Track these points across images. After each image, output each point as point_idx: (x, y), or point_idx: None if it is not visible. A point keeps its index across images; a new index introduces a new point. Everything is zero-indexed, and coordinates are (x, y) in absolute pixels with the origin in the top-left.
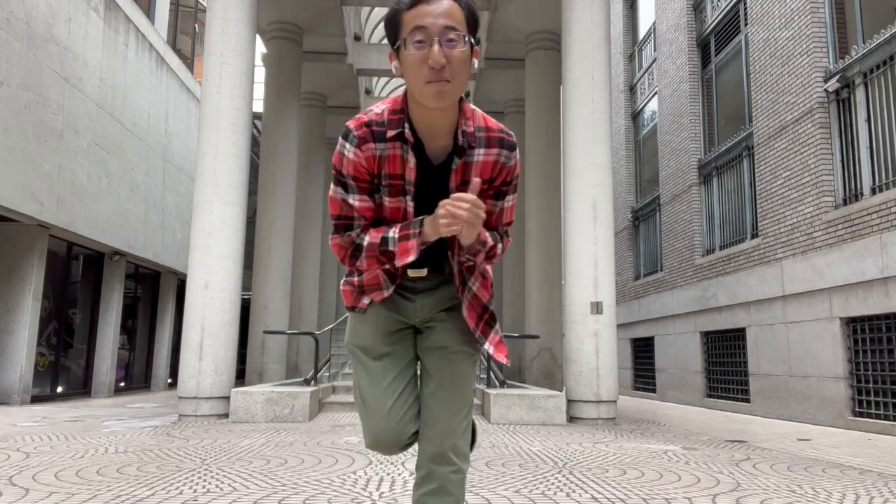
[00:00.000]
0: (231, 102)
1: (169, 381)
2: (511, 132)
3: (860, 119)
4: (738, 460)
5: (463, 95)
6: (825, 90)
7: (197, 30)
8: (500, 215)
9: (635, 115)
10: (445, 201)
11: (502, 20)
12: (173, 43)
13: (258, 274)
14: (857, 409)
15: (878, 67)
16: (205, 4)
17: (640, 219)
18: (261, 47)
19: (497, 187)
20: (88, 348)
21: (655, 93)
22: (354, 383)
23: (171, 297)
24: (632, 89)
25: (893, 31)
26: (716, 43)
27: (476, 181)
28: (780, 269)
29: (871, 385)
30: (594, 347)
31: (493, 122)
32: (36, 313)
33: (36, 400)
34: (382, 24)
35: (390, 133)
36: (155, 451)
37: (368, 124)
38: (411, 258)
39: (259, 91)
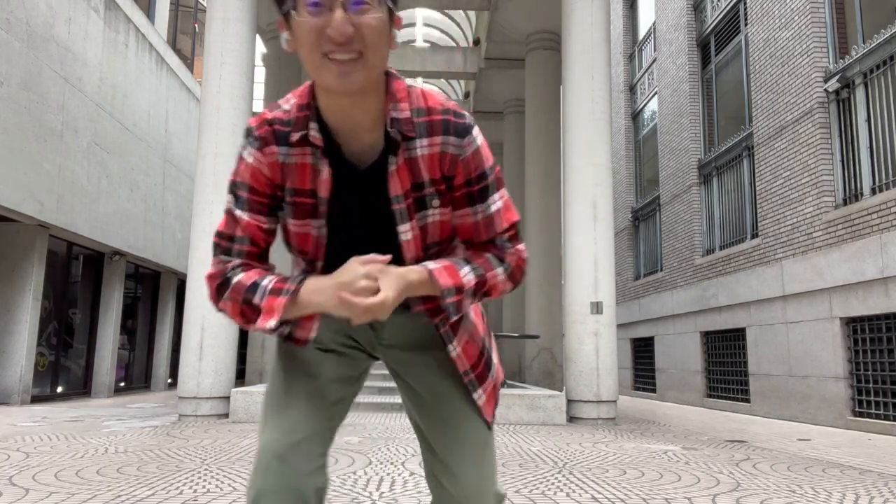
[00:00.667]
0: (231, 102)
1: (169, 381)
2: (463, 111)
3: (860, 119)
4: (738, 460)
5: (392, 70)
6: (825, 90)
7: (197, 30)
8: (490, 224)
9: (635, 115)
10: (345, 278)
11: (502, 20)
12: (173, 43)
13: None
14: (857, 409)
15: (878, 67)
16: (205, 4)
17: (640, 219)
18: (261, 47)
19: (462, 187)
20: (88, 348)
21: (655, 93)
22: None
23: (171, 297)
24: (632, 89)
25: (893, 31)
26: (716, 43)
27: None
28: (780, 269)
29: (871, 385)
30: (594, 347)
31: (436, 99)
32: (36, 313)
33: (36, 400)
34: None
35: (294, 136)
36: (155, 451)
37: (271, 122)
38: (271, 323)
39: (259, 91)
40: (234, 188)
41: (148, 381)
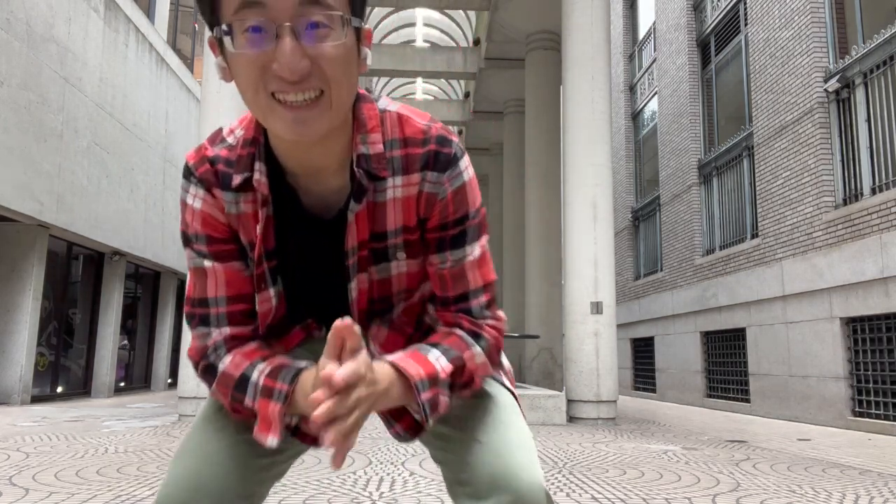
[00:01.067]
0: (231, 102)
1: (169, 381)
2: (451, 138)
3: (860, 119)
4: (738, 460)
5: (362, 92)
6: (825, 90)
7: (197, 30)
8: (460, 277)
9: (635, 115)
10: (317, 394)
11: (502, 20)
12: (173, 43)
13: None
14: (857, 409)
15: (878, 67)
16: None
17: (640, 219)
18: None
19: (435, 231)
20: (88, 348)
21: (655, 93)
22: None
23: (171, 297)
24: (632, 89)
25: (893, 31)
26: (716, 43)
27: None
28: (780, 269)
29: (871, 385)
30: (594, 347)
31: (416, 125)
32: (36, 313)
33: (36, 400)
34: (382, 23)
35: (236, 178)
36: (155, 451)
37: (213, 161)
38: (272, 442)
39: None
40: (187, 241)
41: (148, 381)
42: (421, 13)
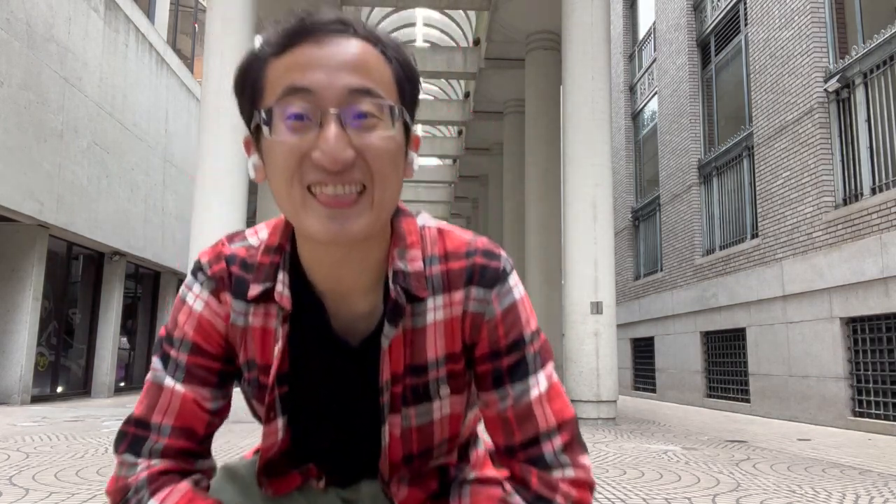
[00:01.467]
0: (231, 102)
1: None
2: (497, 251)
3: (860, 119)
4: (738, 460)
5: (402, 206)
6: (825, 90)
7: (197, 30)
8: (526, 418)
9: (635, 115)
10: None
11: (502, 20)
12: (173, 43)
13: None
14: (857, 409)
15: (878, 67)
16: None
17: (640, 219)
18: None
19: (486, 361)
20: (88, 348)
21: (655, 93)
22: None
23: (171, 297)
24: (632, 89)
25: (893, 31)
26: (716, 43)
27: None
28: (780, 269)
29: (871, 385)
30: (594, 347)
31: (459, 238)
32: (36, 313)
33: (36, 400)
34: (382, 24)
35: (254, 289)
36: None
37: (229, 260)
38: None
39: None
40: (165, 347)
41: None
42: (421, 13)
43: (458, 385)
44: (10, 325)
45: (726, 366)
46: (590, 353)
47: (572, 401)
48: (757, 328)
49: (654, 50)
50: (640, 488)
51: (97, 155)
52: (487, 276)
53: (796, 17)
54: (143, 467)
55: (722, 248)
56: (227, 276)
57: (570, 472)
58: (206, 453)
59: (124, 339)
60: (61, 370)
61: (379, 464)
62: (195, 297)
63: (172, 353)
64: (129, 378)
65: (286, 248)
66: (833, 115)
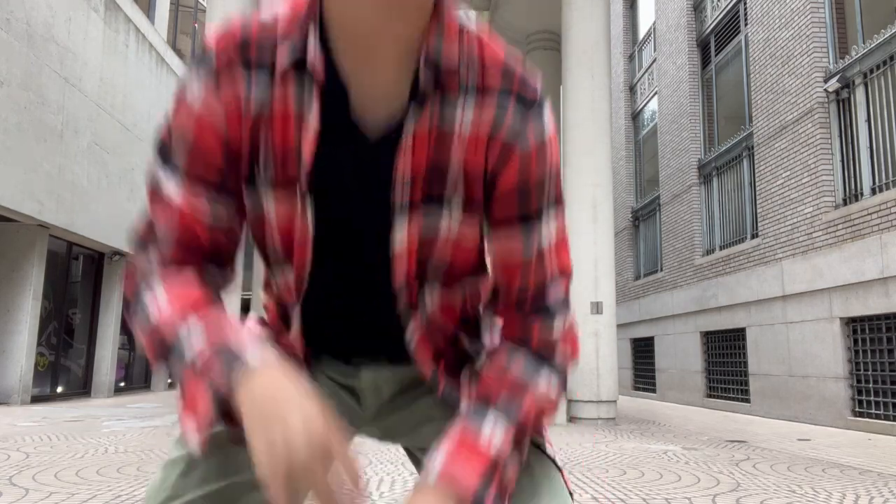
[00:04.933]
0: None
1: (169, 381)
2: (533, 76)
3: (860, 119)
4: (738, 460)
5: None
6: (825, 90)
7: (197, 30)
8: (541, 263)
9: (635, 115)
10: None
11: (502, 20)
12: (173, 43)
13: (258, 274)
14: (857, 409)
15: (878, 67)
16: (205, 4)
17: (640, 219)
18: None
19: (510, 197)
20: (88, 348)
21: (655, 93)
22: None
23: None
24: (632, 89)
25: (893, 31)
26: (716, 43)
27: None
28: (780, 269)
29: (871, 385)
30: (594, 347)
31: (497, 50)
32: (36, 313)
33: (36, 400)
34: None
35: (281, 59)
36: (155, 451)
37: (245, 41)
38: (192, 439)
39: None
40: (163, 149)
41: (148, 381)
42: None
43: (471, 209)
44: (10, 325)
45: (726, 366)
46: (590, 353)
47: (572, 401)
48: (757, 328)
49: (654, 50)
50: (640, 488)
51: (97, 155)
52: (524, 98)
53: (796, 17)
54: (153, 258)
55: (722, 248)
56: (238, 49)
57: (567, 322)
58: (224, 263)
59: (124, 339)
60: (61, 370)
61: (392, 279)
62: (197, 87)
63: (172, 156)
64: (129, 378)
65: (315, 12)
66: (833, 115)
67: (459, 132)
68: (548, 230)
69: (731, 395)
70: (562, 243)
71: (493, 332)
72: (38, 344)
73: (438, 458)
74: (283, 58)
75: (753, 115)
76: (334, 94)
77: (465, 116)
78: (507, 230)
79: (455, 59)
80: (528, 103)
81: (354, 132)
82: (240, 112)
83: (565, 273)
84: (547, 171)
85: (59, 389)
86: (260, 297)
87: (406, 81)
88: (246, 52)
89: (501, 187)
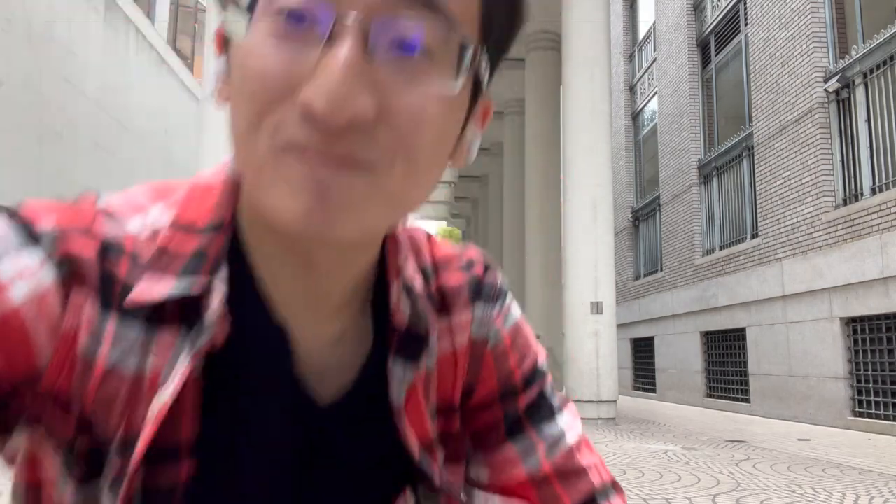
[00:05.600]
0: None
1: None
2: (489, 260)
3: (860, 119)
4: (738, 460)
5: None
6: (825, 90)
7: (197, 30)
8: (574, 470)
9: (635, 115)
10: None
11: None
12: (173, 43)
13: None
14: (857, 409)
15: (878, 67)
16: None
17: (640, 219)
18: None
19: (493, 406)
20: None
21: (655, 93)
22: None
23: None
24: (632, 89)
25: (893, 31)
26: (716, 43)
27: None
28: (780, 269)
29: (871, 385)
30: (594, 347)
31: (446, 246)
32: None
33: None
34: None
35: (157, 289)
36: None
37: (110, 249)
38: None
39: None
40: None
41: None
42: None
43: (456, 454)
44: None
45: (726, 366)
46: (590, 353)
47: (572, 400)
48: (757, 328)
49: (654, 50)
50: (640, 488)
51: (97, 155)
52: (491, 292)
53: (796, 18)
54: None
55: (722, 247)
56: (96, 265)
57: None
58: None
59: None
60: None
61: None
62: (26, 285)
63: None
64: None
65: (228, 228)
66: (833, 115)
67: (442, 356)
68: (567, 429)
69: (731, 395)
70: (587, 441)
71: None
72: None
73: None
74: (161, 292)
75: (753, 115)
76: (260, 351)
77: (442, 341)
78: (496, 450)
79: (420, 279)
80: (495, 291)
81: (296, 400)
82: (75, 345)
83: (614, 481)
84: (534, 360)
85: None
86: None
87: (361, 327)
88: (102, 277)
89: (477, 398)
